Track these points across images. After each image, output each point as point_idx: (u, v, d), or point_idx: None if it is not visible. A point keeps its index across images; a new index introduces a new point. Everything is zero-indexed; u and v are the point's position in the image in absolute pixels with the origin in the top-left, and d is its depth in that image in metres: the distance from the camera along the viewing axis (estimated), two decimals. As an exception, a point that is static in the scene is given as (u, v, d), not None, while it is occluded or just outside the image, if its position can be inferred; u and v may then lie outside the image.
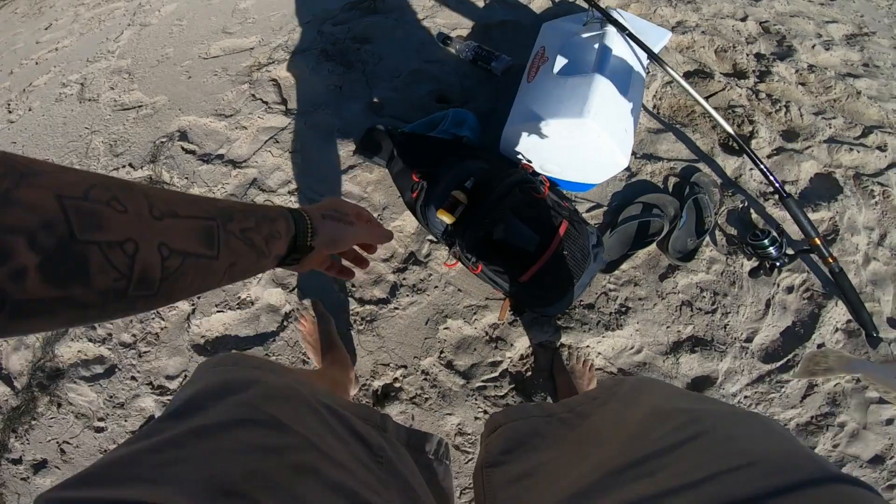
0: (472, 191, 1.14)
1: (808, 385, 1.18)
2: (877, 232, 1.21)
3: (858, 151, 1.25)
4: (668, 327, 1.18)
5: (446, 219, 1.12)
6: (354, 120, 1.44)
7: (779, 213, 1.23)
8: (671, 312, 1.19)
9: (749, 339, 1.18)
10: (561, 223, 1.08)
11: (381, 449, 0.54)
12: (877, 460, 1.21)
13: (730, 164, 1.26)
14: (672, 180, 1.27)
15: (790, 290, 1.20)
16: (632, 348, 1.18)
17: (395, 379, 1.22)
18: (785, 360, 1.18)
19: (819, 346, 1.18)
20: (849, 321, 1.18)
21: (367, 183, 1.36)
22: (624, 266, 1.22)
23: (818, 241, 1.08)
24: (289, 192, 1.35)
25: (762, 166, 1.10)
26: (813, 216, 1.22)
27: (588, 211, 1.29)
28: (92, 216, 0.27)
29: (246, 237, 0.39)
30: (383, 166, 1.36)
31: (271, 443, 0.41)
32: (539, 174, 1.19)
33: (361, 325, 1.24)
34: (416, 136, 1.32)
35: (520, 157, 1.29)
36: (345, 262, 0.66)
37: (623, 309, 1.20)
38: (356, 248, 0.66)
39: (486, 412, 1.19)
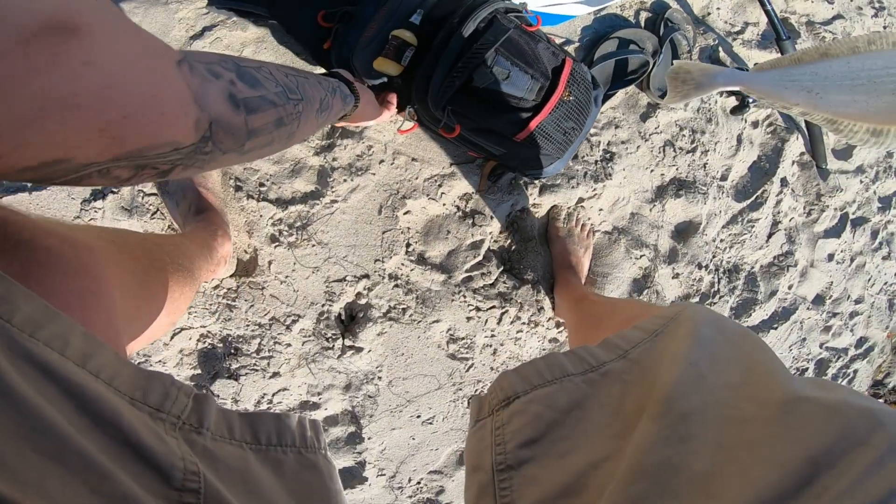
0: (421, 28, 0.86)
1: (772, 223, 1.19)
2: (824, 72, 1.23)
3: (812, 1, 1.25)
4: (651, 171, 1.09)
5: (390, 69, 0.81)
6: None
7: (745, 52, 1.18)
8: (655, 154, 1.09)
9: (724, 178, 1.14)
10: (564, 62, 0.86)
11: (194, 474, 0.28)
12: (818, 300, 1.29)
13: (697, 1, 1.16)
14: (644, 15, 1.14)
15: (755, 125, 1.17)
16: (623, 199, 1.07)
17: (359, 294, 0.94)
18: (754, 197, 1.17)
19: (782, 179, 1.19)
20: (801, 153, 1.21)
21: (241, 45, 0.88)
22: (602, 107, 1.08)
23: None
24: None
25: (768, 7, 1.03)
26: (776, 56, 1.20)
27: (558, 48, 1.10)
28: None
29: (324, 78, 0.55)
30: (264, 15, 0.89)
31: None
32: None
33: (291, 235, 0.91)
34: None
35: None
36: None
37: (608, 155, 1.06)
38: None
39: (477, 309, 1.00)
